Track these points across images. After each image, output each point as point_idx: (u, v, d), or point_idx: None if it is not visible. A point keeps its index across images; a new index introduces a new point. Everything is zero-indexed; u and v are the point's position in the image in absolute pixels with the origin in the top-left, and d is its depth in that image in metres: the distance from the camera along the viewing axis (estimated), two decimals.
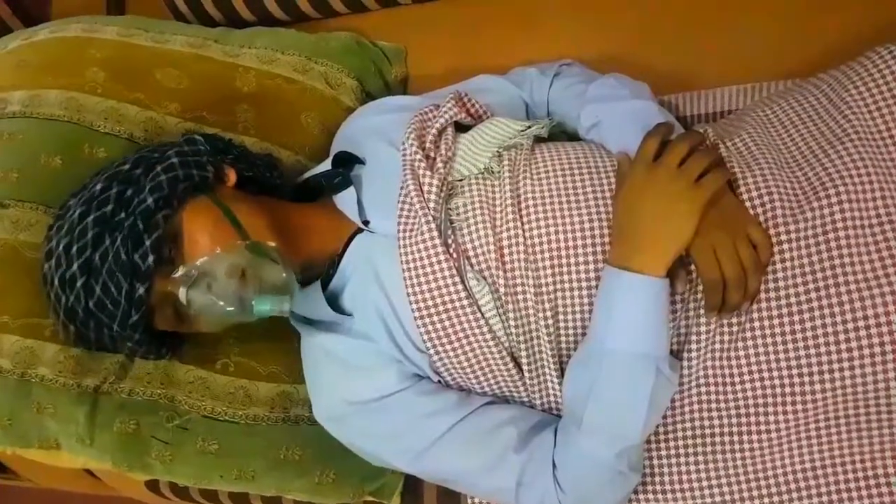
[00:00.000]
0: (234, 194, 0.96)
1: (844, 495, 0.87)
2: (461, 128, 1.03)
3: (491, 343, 0.92)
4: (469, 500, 1.06)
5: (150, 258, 0.88)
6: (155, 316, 0.91)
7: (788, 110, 0.99)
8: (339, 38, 1.26)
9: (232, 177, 0.98)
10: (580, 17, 1.23)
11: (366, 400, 0.94)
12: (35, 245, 1.00)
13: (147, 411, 1.02)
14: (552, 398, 0.94)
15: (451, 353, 0.93)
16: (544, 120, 1.02)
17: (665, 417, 0.92)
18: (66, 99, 1.10)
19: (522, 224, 0.93)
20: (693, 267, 0.89)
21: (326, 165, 1.07)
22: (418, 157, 0.96)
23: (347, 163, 1.07)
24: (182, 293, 0.87)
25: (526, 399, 0.96)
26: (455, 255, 0.92)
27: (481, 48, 1.19)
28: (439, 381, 0.97)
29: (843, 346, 0.84)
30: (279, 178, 1.05)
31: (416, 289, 0.92)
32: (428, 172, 0.94)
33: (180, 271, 0.88)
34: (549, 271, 0.92)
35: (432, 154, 0.98)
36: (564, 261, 0.91)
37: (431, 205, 0.93)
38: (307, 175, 1.09)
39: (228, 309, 0.87)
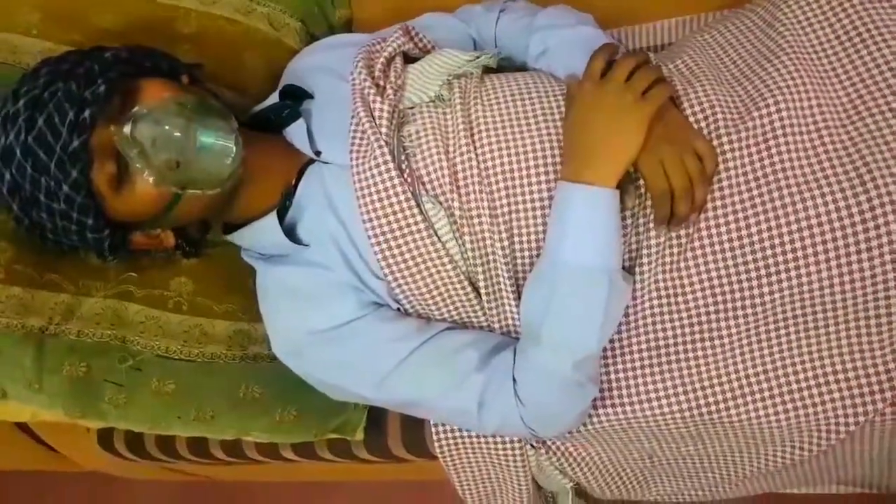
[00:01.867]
0: (191, 87, 0.96)
1: (797, 395, 0.89)
2: (410, 59, 1.03)
3: (448, 267, 0.92)
4: (433, 428, 1.06)
5: (102, 89, 0.86)
6: (95, 166, 0.86)
7: (725, 33, 1.02)
8: None
9: (185, 79, 0.97)
10: None
11: (325, 328, 0.94)
12: None
13: (97, 353, 0.99)
14: (510, 321, 0.95)
15: (409, 279, 0.93)
16: (493, 50, 1.03)
17: (620, 331, 0.94)
18: None
19: (475, 149, 0.94)
20: (641, 182, 0.91)
21: (274, 99, 1.06)
22: (367, 83, 0.95)
23: (296, 97, 1.05)
24: (127, 129, 0.84)
25: (485, 323, 0.97)
26: (409, 180, 0.92)
27: None
28: (398, 309, 0.97)
29: (787, 248, 0.87)
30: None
31: (372, 214, 0.92)
32: (378, 98, 0.94)
33: (131, 112, 0.86)
34: (503, 193, 0.93)
35: (381, 83, 0.98)
36: (518, 182, 0.93)
37: (384, 130, 0.93)
38: (255, 110, 1.07)
39: (175, 135, 0.85)
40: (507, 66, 1.10)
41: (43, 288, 0.98)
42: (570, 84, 0.95)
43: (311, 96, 1.05)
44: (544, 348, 0.89)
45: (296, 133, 1.01)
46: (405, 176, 0.92)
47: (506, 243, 0.92)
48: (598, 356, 0.92)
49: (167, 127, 0.85)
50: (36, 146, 0.85)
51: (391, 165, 0.91)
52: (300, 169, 1.00)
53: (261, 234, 0.99)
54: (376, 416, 1.12)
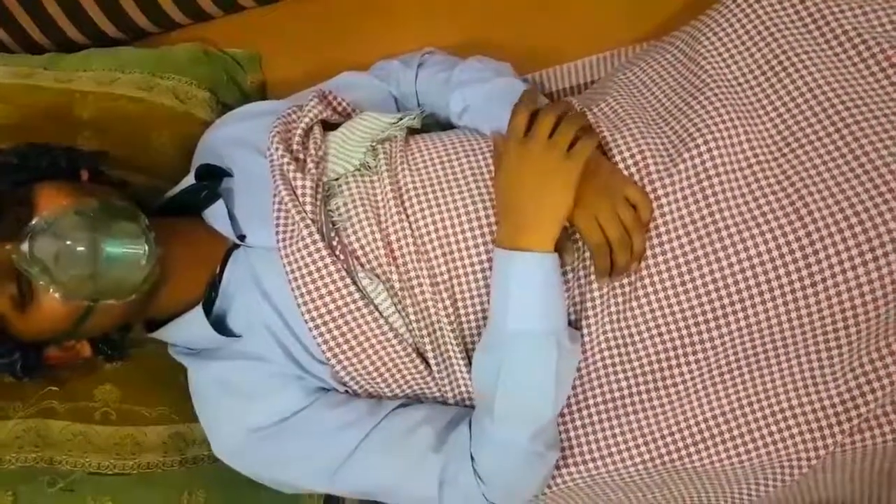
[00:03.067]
0: (92, 186, 0.89)
1: (756, 434, 0.89)
2: (329, 126, 0.99)
3: (394, 342, 0.89)
4: None
5: None
6: None
7: (648, 69, 1.01)
8: (184, 49, 1.19)
9: (84, 175, 0.91)
10: (431, 2, 1.21)
11: (268, 424, 0.89)
12: None
13: (22, 479, 0.92)
14: (463, 389, 0.92)
15: (354, 359, 0.89)
16: (415, 111, 1.00)
17: (574, 388, 0.92)
18: None
19: (408, 216, 0.91)
20: (578, 236, 0.89)
21: (190, 181, 1.00)
22: (286, 160, 0.91)
23: (213, 176, 1.00)
24: (25, 246, 0.77)
25: (438, 394, 0.94)
26: (342, 257, 0.89)
27: (338, 45, 1.16)
28: (346, 392, 0.92)
29: (732, 289, 0.86)
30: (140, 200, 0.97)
31: (307, 297, 0.87)
32: (299, 175, 0.90)
33: (28, 226, 0.79)
34: (440, 260, 0.90)
35: (301, 156, 0.93)
36: (455, 247, 0.90)
37: (308, 208, 0.89)
38: (169, 194, 1.01)
39: (79, 249, 0.79)
40: (431, 122, 1.07)
41: None
42: (495, 139, 0.93)
43: (228, 174, 0.99)
44: (499, 422, 0.86)
45: (216, 216, 0.95)
46: (337, 253, 0.88)
47: (450, 310, 0.89)
48: (555, 420, 0.89)
49: (69, 242, 0.79)
50: None
51: (321, 245, 0.87)
52: (225, 254, 0.94)
53: (187, 329, 0.93)
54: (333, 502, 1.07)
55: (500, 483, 0.88)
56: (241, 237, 0.94)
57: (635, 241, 0.86)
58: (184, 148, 1.10)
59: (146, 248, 0.83)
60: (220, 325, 0.93)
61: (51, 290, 0.79)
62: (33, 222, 0.79)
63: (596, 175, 0.88)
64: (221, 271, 0.94)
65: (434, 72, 1.10)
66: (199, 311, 0.92)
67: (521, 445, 0.86)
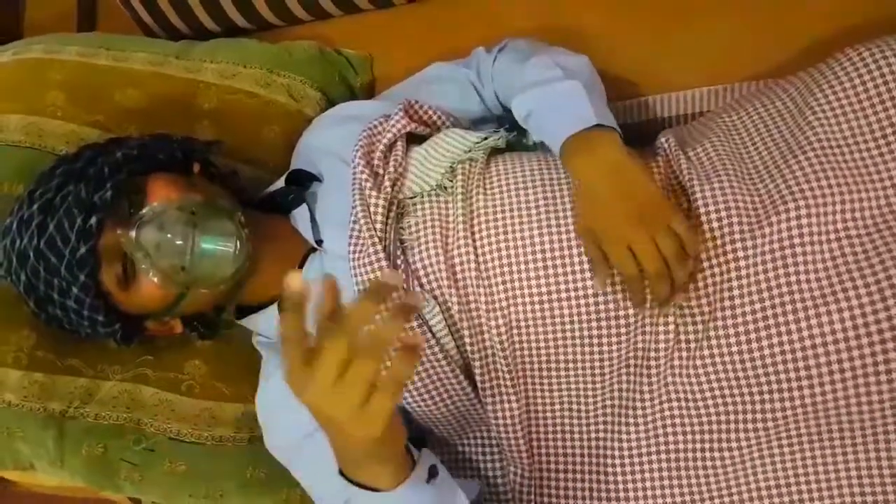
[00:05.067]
0: (204, 182, 0.97)
1: None
2: (414, 138, 1.01)
3: (443, 362, 0.91)
4: None
5: (109, 194, 0.89)
6: (103, 268, 0.90)
7: (754, 115, 0.96)
8: (302, 48, 1.25)
9: (195, 168, 0.99)
10: (545, 20, 1.20)
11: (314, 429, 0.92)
12: None
13: (113, 435, 1.03)
14: (507, 413, 0.93)
15: None
16: (500, 132, 0.99)
17: (629, 433, 0.91)
18: (26, 124, 1.10)
19: (475, 241, 0.92)
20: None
21: (281, 183, 1.06)
22: (364, 176, 0.94)
23: (304, 180, 1.06)
24: (133, 233, 0.87)
25: (482, 418, 0.96)
26: (404, 276, 0.91)
27: (447, 51, 1.17)
28: None
29: (800, 364, 0.83)
30: (242, 196, 1.04)
31: None
32: (374, 192, 0.93)
33: (137, 215, 0.88)
34: (500, 287, 0.91)
35: (381, 171, 0.96)
36: (516, 276, 0.90)
37: (378, 226, 0.92)
38: (264, 192, 1.09)
39: (177, 242, 0.87)
40: (515, 141, 1.04)
41: (63, 373, 1.03)
42: (575, 183, 0.90)
43: (318, 179, 1.05)
44: None
45: (300, 218, 1.01)
46: (399, 272, 0.91)
47: (504, 336, 0.90)
48: None
49: (169, 235, 0.87)
50: (47, 250, 0.89)
51: (384, 263, 0.91)
52: (304, 255, 1.00)
53: (266, 321, 1.01)
54: None
55: None
56: (319, 241, 0.99)
57: (676, 273, 0.82)
58: (292, 144, 1.15)
59: (238, 244, 0.90)
60: None
61: (150, 274, 0.89)
62: (143, 212, 0.88)
63: (639, 203, 0.83)
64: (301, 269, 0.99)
65: (511, 60, 1.06)
66: (275, 307, 0.99)
67: None
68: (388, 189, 0.94)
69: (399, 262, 0.92)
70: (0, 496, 1.54)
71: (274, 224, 1.02)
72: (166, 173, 0.94)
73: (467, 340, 0.91)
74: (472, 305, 0.91)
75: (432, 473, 0.80)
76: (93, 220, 0.88)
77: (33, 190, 0.93)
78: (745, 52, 1.12)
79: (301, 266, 1.00)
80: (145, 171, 0.93)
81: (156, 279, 0.89)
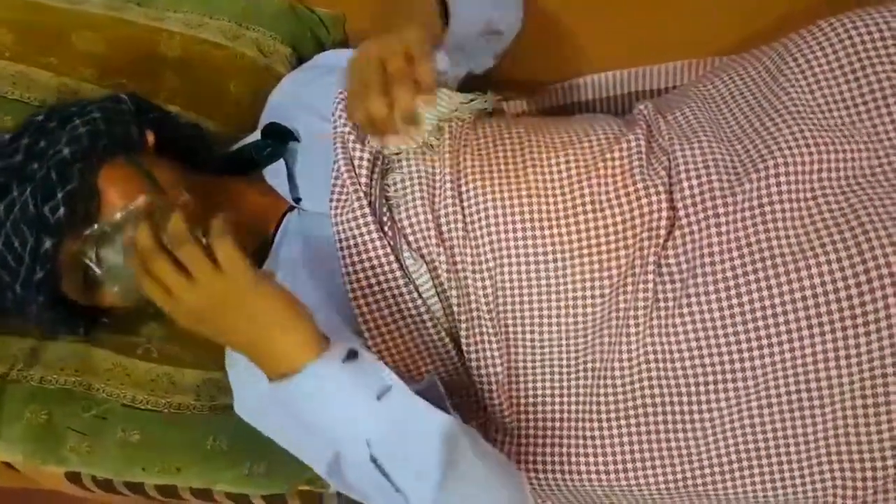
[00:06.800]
0: (156, 160, 0.91)
1: (787, 474, 0.86)
2: None
3: (428, 324, 0.89)
4: None
5: (62, 211, 0.82)
6: (63, 281, 0.85)
7: (729, 83, 0.97)
8: (272, 3, 1.19)
9: (150, 139, 0.92)
10: None
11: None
12: None
13: (60, 400, 0.96)
14: (491, 376, 0.90)
15: (387, 336, 0.89)
16: (487, 94, 0.98)
17: (608, 397, 0.90)
18: None
19: (462, 201, 0.90)
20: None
21: (257, 136, 1.01)
22: (347, 129, 0.91)
23: (280, 135, 1.01)
24: (92, 252, 0.82)
25: (465, 383, 0.93)
26: (390, 234, 0.88)
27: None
28: None
29: (780, 320, 0.83)
30: (206, 150, 0.99)
31: (350, 268, 0.88)
32: (358, 146, 0.90)
33: (92, 229, 0.82)
34: (487, 248, 0.89)
35: None
36: (503, 236, 0.89)
37: (363, 180, 0.89)
38: (236, 146, 1.03)
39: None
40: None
41: (10, 333, 0.96)
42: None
43: (296, 138, 1.00)
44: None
45: (276, 174, 0.96)
46: (385, 229, 0.88)
47: (490, 297, 0.89)
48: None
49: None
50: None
51: (370, 219, 0.87)
52: (280, 216, 0.96)
53: None
54: None
55: None
56: (297, 200, 0.95)
57: (396, 90, 0.74)
58: (259, 100, 1.10)
59: None
60: None
61: (113, 287, 0.84)
62: (98, 227, 0.83)
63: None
64: (275, 233, 0.95)
65: None
66: None
67: None
68: (373, 143, 0.90)
69: (385, 219, 0.89)
70: None
71: (244, 187, 0.97)
72: (118, 163, 0.87)
73: (454, 302, 0.89)
74: (459, 266, 0.88)
75: (350, 356, 0.76)
76: (48, 245, 0.82)
77: None
78: (719, 26, 1.14)
79: (278, 226, 0.95)
80: (96, 164, 0.86)
81: (116, 288, 0.84)
